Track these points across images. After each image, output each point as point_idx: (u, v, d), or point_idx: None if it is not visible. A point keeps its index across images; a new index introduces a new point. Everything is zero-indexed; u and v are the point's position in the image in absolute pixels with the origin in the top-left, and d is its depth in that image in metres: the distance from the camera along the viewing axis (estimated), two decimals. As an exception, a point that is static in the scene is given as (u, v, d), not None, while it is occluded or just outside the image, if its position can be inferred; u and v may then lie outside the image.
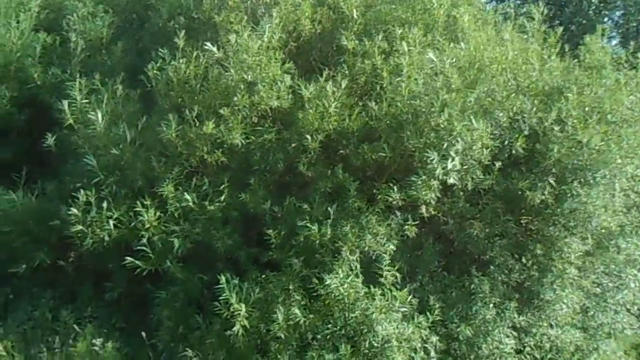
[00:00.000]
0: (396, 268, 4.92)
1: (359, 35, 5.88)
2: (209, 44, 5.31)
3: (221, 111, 5.12)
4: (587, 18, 11.02)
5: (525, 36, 6.69)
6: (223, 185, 5.29)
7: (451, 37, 6.11)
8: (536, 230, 5.85)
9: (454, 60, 5.48)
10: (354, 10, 5.86)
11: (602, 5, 11.19)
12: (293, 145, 5.39)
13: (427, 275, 5.59)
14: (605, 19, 11.54)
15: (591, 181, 5.45)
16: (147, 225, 5.14)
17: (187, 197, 5.15)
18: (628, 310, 6.42)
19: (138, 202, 5.14)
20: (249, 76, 5.14)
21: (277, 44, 5.44)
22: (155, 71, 5.42)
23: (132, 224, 5.23)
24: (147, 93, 5.81)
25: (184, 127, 5.22)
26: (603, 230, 5.72)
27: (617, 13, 11.50)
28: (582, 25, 10.71)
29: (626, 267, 6.11)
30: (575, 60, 6.54)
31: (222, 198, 5.26)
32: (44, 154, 6.01)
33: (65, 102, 5.34)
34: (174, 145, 5.29)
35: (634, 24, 11.54)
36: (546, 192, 5.44)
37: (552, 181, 5.49)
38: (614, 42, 10.69)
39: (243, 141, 5.23)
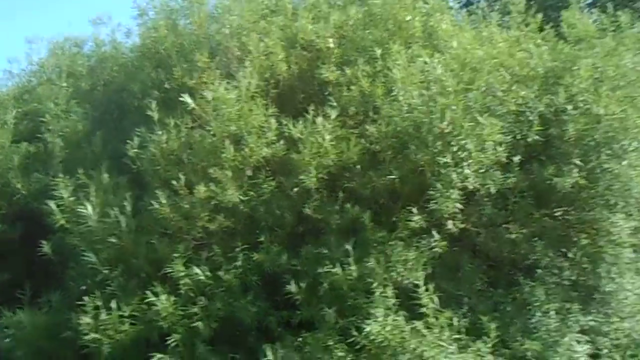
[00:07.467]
0: (434, 292, 4.46)
1: (339, 66, 5.67)
2: (185, 96, 5.05)
3: (211, 171, 4.81)
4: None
5: (506, 29, 6.47)
6: (236, 250, 4.90)
7: (433, 48, 5.88)
8: (575, 219, 5.40)
9: (444, 65, 5.20)
10: (330, 41, 5.64)
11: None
12: (295, 190, 5.03)
13: (474, 295, 5.09)
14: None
15: (620, 152, 5.04)
16: (164, 314, 4.74)
17: (197, 270, 4.76)
18: None
19: (148, 292, 4.76)
20: (232, 128, 4.85)
21: (256, 92, 5.18)
22: (136, 150, 5.14)
23: (147, 316, 4.83)
24: (136, 176, 5.52)
25: (175, 199, 4.89)
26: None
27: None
28: (558, 6, 10.46)
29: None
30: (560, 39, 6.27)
31: (238, 264, 4.87)
32: (44, 264, 5.68)
33: (53, 203, 5.06)
34: (172, 221, 4.95)
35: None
36: (575, 174, 5.01)
37: (577, 162, 5.09)
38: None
39: (242, 197, 4.89)
